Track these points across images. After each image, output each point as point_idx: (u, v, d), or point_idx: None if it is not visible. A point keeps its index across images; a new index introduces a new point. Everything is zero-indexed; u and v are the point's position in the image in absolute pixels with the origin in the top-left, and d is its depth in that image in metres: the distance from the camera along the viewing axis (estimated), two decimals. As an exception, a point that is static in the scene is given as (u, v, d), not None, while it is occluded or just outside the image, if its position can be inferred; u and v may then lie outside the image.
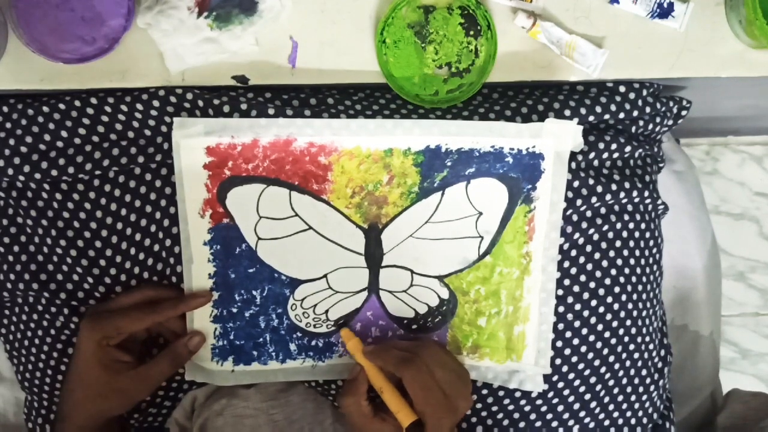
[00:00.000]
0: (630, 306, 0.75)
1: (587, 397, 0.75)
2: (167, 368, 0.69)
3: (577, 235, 0.73)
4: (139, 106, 0.69)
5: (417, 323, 0.73)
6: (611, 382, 0.76)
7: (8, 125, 0.70)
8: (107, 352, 0.66)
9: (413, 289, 0.72)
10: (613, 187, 0.73)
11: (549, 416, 0.75)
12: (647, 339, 0.77)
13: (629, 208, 0.75)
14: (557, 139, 0.70)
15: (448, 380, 0.65)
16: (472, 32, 0.70)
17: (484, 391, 0.74)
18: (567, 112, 0.71)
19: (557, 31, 0.70)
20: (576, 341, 0.74)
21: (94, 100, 0.70)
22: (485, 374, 0.74)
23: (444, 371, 0.66)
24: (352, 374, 0.68)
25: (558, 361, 0.74)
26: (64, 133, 0.69)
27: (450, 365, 0.67)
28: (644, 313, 0.77)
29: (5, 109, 0.70)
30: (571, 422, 0.76)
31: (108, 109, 0.70)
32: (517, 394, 0.74)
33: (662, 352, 0.80)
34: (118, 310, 0.67)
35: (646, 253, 0.77)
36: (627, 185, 0.74)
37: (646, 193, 0.75)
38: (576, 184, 0.72)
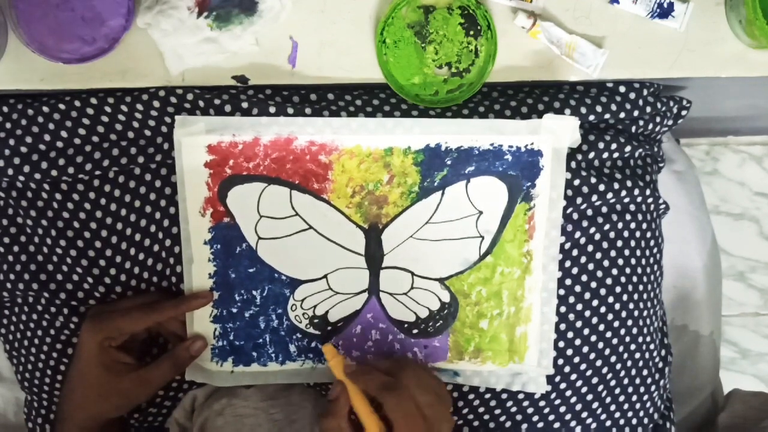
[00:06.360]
0: (631, 306, 0.75)
1: (589, 397, 0.75)
2: (169, 372, 0.68)
3: (578, 234, 0.73)
4: (139, 107, 0.69)
5: (418, 328, 0.73)
6: (613, 382, 0.76)
7: (8, 125, 0.70)
8: (109, 353, 0.66)
9: (414, 291, 0.72)
10: (615, 185, 0.73)
11: (551, 417, 0.75)
12: (648, 339, 0.77)
13: (631, 207, 0.75)
14: (555, 135, 0.70)
15: (429, 404, 0.63)
16: (472, 32, 0.70)
17: (487, 395, 0.74)
18: (567, 112, 0.71)
19: (557, 31, 0.70)
20: (578, 341, 0.74)
21: (94, 100, 0.70)
22: (488, 379, 0.73)
23: (426, 395, 0.64)
24: (333, 394, 0.66)
25: (560, 362, 0.74)
26: (64, 134, 0.69)
27: (431, 387, 0.66)
28: (645, 312, 0.77)
29: (5, 109, 0.70)
30: (573, 423, 0.76)
31: (108, 109, 0.69)
32: (520, 396, 0.74)
33: (663, 352, 0.80)
34: (120, 311, 0.67)
35: (647, 252, 0.77)
36: (628, 184, 0.74)
37: (647, 192, 0.75)
38: (577, 182, 0.72)
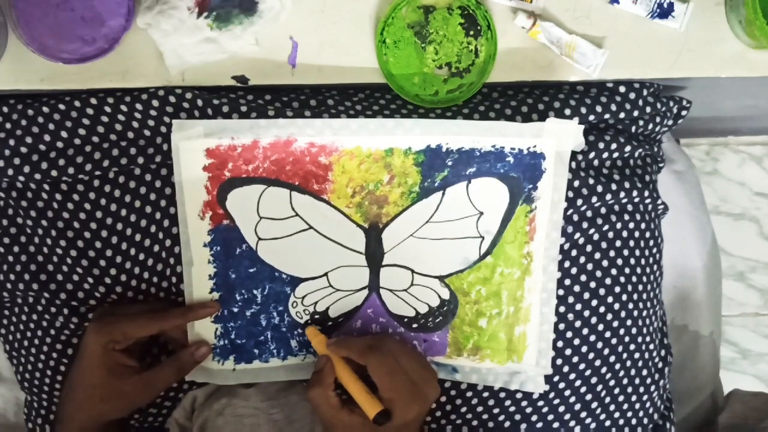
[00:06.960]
0: (630, 306, 0.75)
1: (588, 397, 0.75)
2: (171, 376, 0.69)
3: (577, 235, 0.73)
4: (139, 106, 0.69)
5: (417, 323, 0.73)
6: (612, 382, 0.76)
7: (8, 125, 0.70)
8: (113, 356, 0.66)
9: (414, 288, 0.72)
10: (614, 186, 0.73)
11: (550, 417, 0.75)
12: (647, 339, 0.77)
13: (629, 207, 0.75)
14: (558, 138, 0.69)
15: (413, 367, 0.65)
16: (472, 32, 0.70)
17: (485, 394, 0.74)
18: (567, 112, 0.71)
19: (557, 31, 0.70)
20: (577, 341, 0.74)
21: (93, 101, 0.70)
22: (486, 377, 0.74)
23: (409, 359, 0.65)
24: (318, 365, 0.68)
25: (559, 362, 0.74)
26: (63, 134, 0.69)
27: (415, 354, 0.67)
28: (644, 312, 0.77)
29: (5, 109, 0.70)
30: (572, 423, 0.76)
31: (108, 109, 0.69)
32: (518, 395, 0.74)
33: (662, 352, 0.80)
34: (126, 316, 0.67)
35: (647, 252, 0.77)
36: (627, 185, 0.74)
37: (646, 193, 0.75)
38: (576, 183, 0.72)
